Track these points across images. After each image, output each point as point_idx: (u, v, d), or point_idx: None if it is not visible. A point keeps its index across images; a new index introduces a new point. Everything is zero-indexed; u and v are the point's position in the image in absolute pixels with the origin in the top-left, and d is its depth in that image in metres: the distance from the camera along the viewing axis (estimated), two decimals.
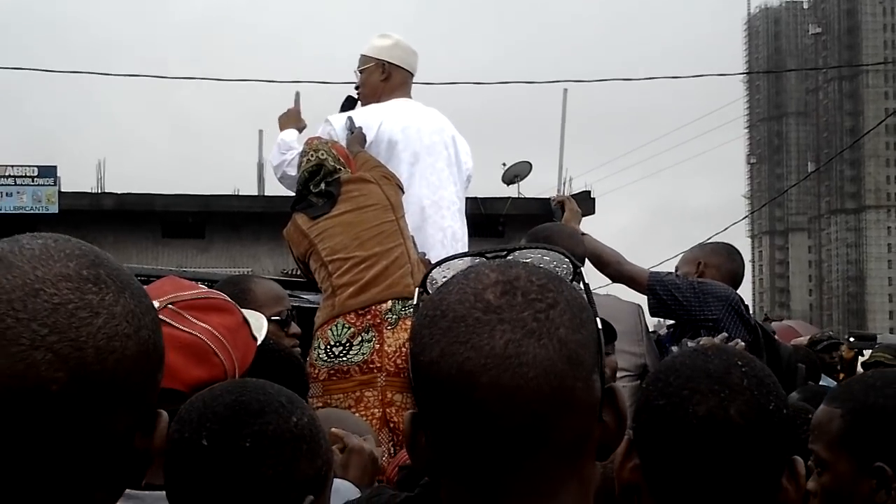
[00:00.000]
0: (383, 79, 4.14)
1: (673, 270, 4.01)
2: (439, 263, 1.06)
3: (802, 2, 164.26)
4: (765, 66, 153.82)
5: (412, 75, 4.25)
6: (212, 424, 1.33)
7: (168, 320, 1.60)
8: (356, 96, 4.22)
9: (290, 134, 4.15)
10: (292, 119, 4.24)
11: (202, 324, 1.62)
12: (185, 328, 1.61)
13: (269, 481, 1.31)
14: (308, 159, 3.54)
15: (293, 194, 3.69)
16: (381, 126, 3.95)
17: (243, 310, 1.78)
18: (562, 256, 1.04)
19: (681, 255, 4.19)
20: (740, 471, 1.30)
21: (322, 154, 3.52)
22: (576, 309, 0.95)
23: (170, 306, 1.62)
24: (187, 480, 1.34)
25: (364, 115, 4.00)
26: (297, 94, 4.38)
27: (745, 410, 1.31)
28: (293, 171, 3.91)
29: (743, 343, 3.35)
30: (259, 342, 1.77)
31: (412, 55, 4.24)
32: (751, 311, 3.88)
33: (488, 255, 1.04)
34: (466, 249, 4.13)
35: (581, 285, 1.02)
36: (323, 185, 3.48)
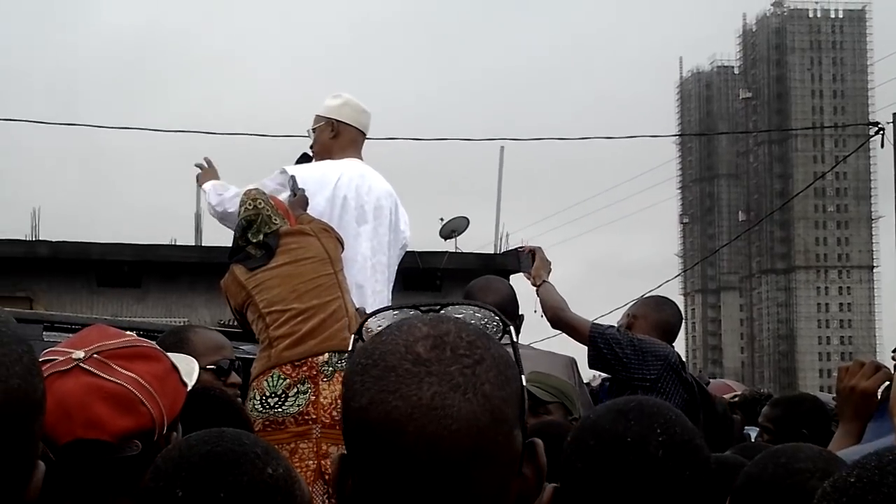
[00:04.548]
0: (332, 136, 4.22)
1: (615, 324, 3.98)
2: (375, 313, 1.11)
3: (733, 67, 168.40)
4: (696, 128, 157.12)
5: (363, 135, 4.30)
6: (187, 475, 1.32)
7: (93, 370, 1.58)
8: (311, 153, 4.29)
9: (215, 181, 4.28)
10: (211, 174, 4.37)
11: (128, 372, 1.60)
12: (110, 378, 1.59)
13: None
14: (246, 208, 3.56)
15: (231, 240, 3.70)
16: (339, 179, 4.03)
17: (173, 354, 1.76)
18: (492, 314, 1.10)
19: (616, 311, 4.28)
20: None
21: (260, 203, 3.55)
22: (502, 366, 0.99)
23: (95, 356, 1.60)
24: None
25: (323, 168, 4.08)
26: (208, 160, 4.45)
27: (659, 482, 1.38)
28: (234, 208, 3.95)
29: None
30: (189, 387, 1.75)
31: (362, 114, 4.30)
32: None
33: (422, 308, 1.08)
34: None
35: (510, 344, 1.06)
36: (261, 237, 3.51)
